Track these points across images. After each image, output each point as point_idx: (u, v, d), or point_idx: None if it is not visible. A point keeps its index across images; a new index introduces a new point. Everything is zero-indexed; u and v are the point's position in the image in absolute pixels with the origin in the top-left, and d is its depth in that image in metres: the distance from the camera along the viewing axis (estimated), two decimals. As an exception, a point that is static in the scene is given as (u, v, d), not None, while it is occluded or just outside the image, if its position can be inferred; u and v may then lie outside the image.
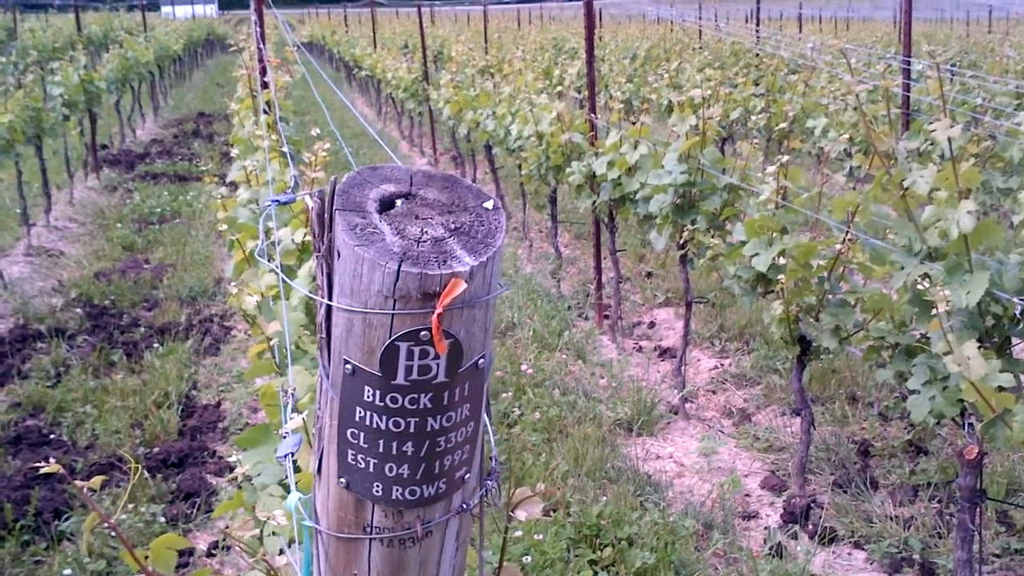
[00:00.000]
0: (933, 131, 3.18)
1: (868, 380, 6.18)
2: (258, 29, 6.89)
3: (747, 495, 5.09)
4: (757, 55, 13.65)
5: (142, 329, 7.57)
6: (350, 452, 1.30)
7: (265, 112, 6.93)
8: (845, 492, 4.97)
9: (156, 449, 5.61)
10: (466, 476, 1.37)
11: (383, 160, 15.12)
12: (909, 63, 7.42)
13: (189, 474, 5.30)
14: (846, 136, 6.55)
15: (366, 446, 1.28)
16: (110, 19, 30.89)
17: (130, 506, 4.80)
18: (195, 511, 4.93)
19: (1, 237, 10.27)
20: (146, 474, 5.19)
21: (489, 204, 1.27)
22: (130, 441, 5.67)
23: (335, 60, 31.44)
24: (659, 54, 17.20)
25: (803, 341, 4.60)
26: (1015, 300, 3.15)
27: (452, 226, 1.23)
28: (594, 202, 7.00)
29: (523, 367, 6.48)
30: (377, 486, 1.30)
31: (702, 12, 23.69)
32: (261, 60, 6.95)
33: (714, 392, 6.45)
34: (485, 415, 1.41)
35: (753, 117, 9.61)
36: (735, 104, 10.08)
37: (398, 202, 1.27)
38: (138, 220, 11.35)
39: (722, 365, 6.83)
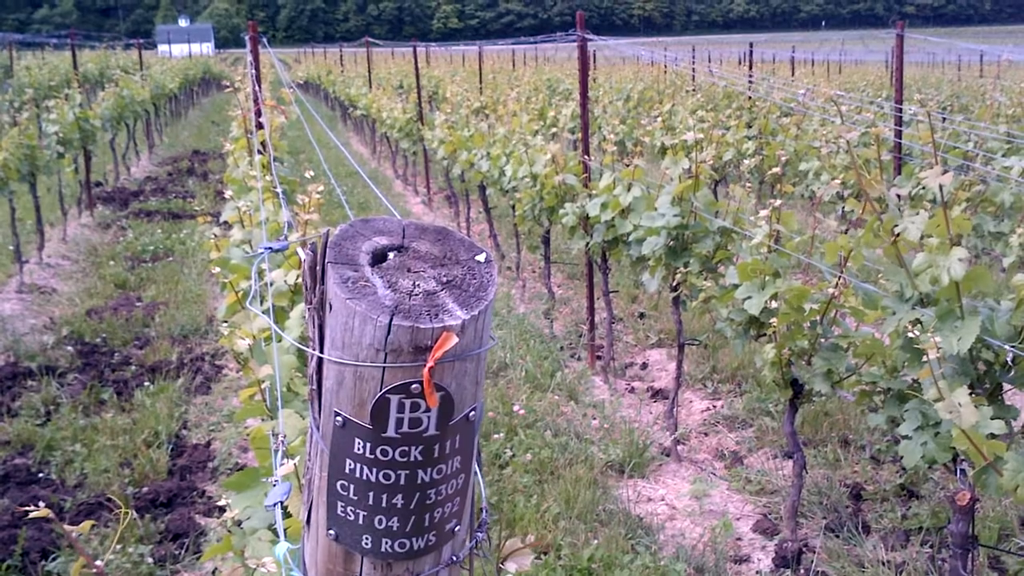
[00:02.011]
0: (925, 178, 3.20)
1: (860, 423, 6.18)
2: (253, 69, 6.92)
3: (739, 539, 5.07)
4: (750, 98, 13.74)
5: (133, 367, 7.55)
6: (339, 504, 1.30)
7: (260, 152, 6.96)
8: (837, 536, 4.95)
9: (145, 488, 5.58)
10: (456, 528, 1.37)
11: (376, 199, 15.16)
12: (901, 109, 7.47)
13: (178, 514, 5.26)
14: (838, 180, 6.59)
15: (356, 498, 1.28)
16: (107, 57, 31.03)
17: (118, 547, 4.76)
18: (183, 552, 4.89)
19: (-6, 274, 10.26)
20: (134, 514, 5.15)
21: (481, 257, 1.28)
22: (119, 480, 5.64)
23: (330, 99, 31.60)
24: (652, 96, 17.31)
25: (795, 384, 4.60)
26: (1006, 347, 3.16)
27: (444, 279, 1.23)
28: (587, 243, 7.02)
29: (515, 408, 6.47)
30: (366, 538, 1.30)
31: (695, 55, 23.86)
32: (256, 101, 6.99)
33: (706, 434, 6.44)
34: (476, 465, 1.41)
35: (746, 160, 9.66)
36: (728, 146, 10.13)
37: (390, 255, 1.28)
38: (131, 258, 11.35)
39: (714, 407, 6.82)
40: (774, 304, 4.41)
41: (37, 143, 10.31)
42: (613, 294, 7.56)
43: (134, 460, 5.88)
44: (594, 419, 6.57)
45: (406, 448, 1.24)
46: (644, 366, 7.74)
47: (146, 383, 7.15)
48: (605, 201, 6.53)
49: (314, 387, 1.30)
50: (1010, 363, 3.25)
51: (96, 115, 13.44)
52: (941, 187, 3.18)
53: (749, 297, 4.63)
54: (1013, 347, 3.19)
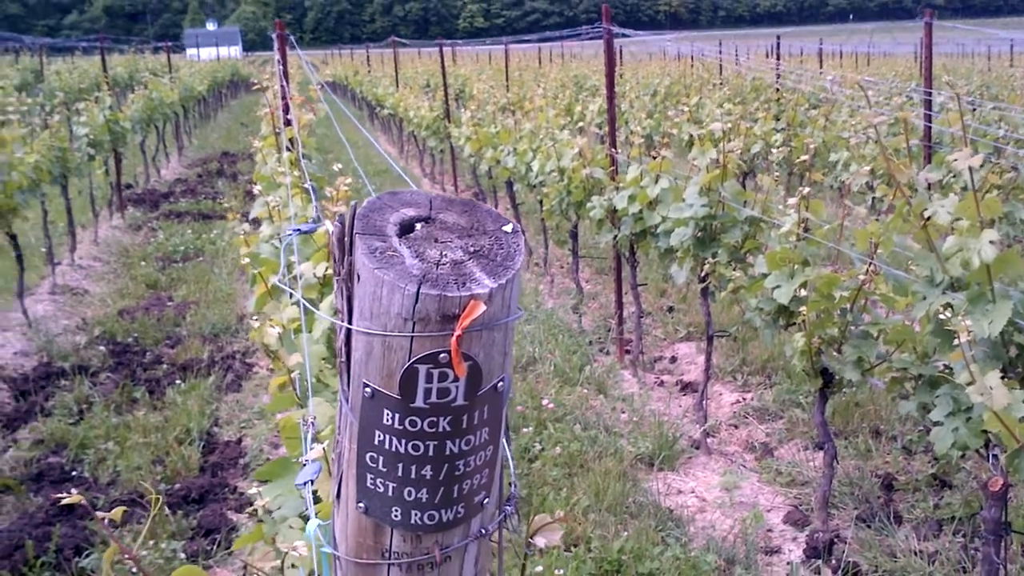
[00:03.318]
0: (954, 161, 3.18)
1: (891, 413, 6.14)
2: (281, 67, 6.95)
3: (769, 530, 5.05)
4: (777, 90, 13.68)
5: (165, 366, 7.60)
6: (369, 476, 1.30)
7: (288, 149, 6.99)
8: (869, 527, 4.92)
9: (177, 485, 5.62)
10: (485, 501, 1.37)
11: (404, 197, 15.18)
12: (930, 94, 7.42)
13: (210, 510, 5.30)
14: (867, 168, 6.55)
15: (385, 470, 1.28)
16: (136, 61, 31.25)
17: (151, 542, 4.80)
18: (215, 547, 4.92)
19: (27, 276, 10.34)
20: (167, 510, 5.19)
21: (508, 228, 1.28)
22: (151, 477, 5.68)
23: (357, 99, 31.70)
24: (679, 90, 17.27)
25: (825, 373, 4.57)
26: (1039, 330, 3.13)
27: (471, 249, 1.24)
28: (615, 236, 7.02)
29: (544, 402, 6.47)
30: (396, 510, 1.30)
31: (722, 48, 23.77)
32: (284, 98, 7.01)
33: (736, 426, 6.42)
34: (504, 439, 1.41)
35: (774, 151, 9.62)
36: (756, 139, 10.09)
37: (418, 226, 1.28)
38: (162, 258, 11.43)
39: (744, 399, 6.80)
40: (803, 292, 4.39)
41: (68, 146, 10.40)
42: (641, 287, 7.55)
43: (166, 457, 5.92)
44: (623, 412, 6.56)
45: (435, 419, 1.25)
46: (673, 359, 7.72)
47: (177, 381, 7.20)
48: (633, 194, 6.52)
49: (343, 359, 1.31)
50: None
51: (126, 117, 13.54)
52: (971, 169, 3.16)
53: (778, 286, 4.61)
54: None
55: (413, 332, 1.19)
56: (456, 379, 1.22)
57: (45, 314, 9.06)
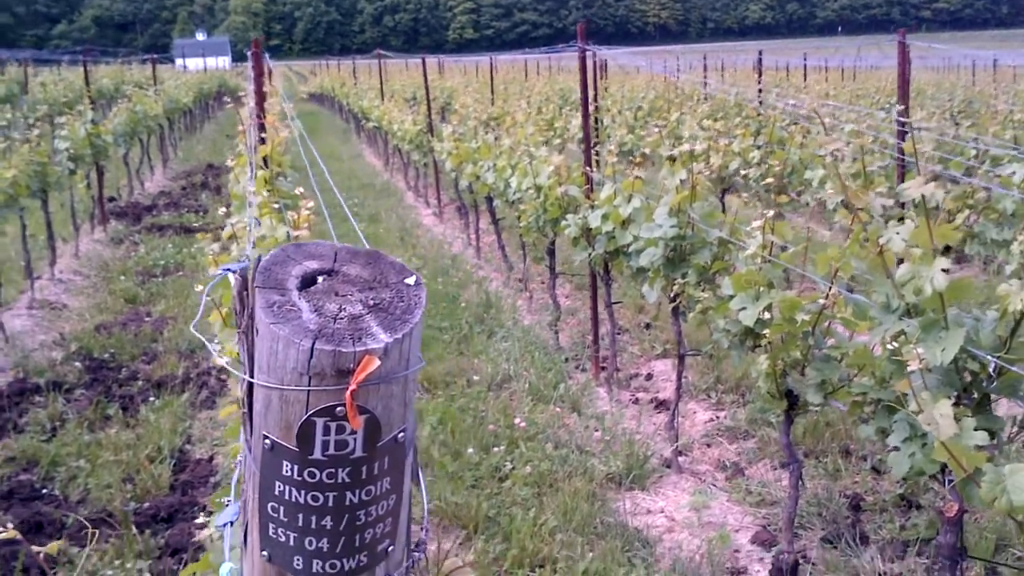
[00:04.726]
0: (907, 189, 3.20)
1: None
2: (254, 85, 6.96)
3: (736, 551, 5.06)
4: (759, 106, 13.73)
5: (140, 382, 7.59)
6: (271, 525, 1.31)
7: (263, 167, 6.99)
8: (835, 547, 4.94)
9: (147, 504, 5.61)
10: (389, 549, 1.38)
11: (387, 212, 15.21)
12: (905, 112, 7.47)
13: (178, 529, 5.29)
14: (831, 190, 6.56)
15: (286, 520, 1.29)
16: (122, 73, 31.23)
17: (116, 562, 4.79)
18: (181, 566, 4.91)
19: (5, 291, 10.32)
20: (134, 529, 5.18)
21: (411, 280, 1.29)
22: (121, 496, 5.67)
23: (344, 112, 31.71)
24: (663, 105, 17.31)
25: (790, 395, 4.59)
26: (989, 357, 3.15)
27: (371, 302, 1.25)
28: (590, 255, 7.03)
29: (516, 420, 6.48)
30: (298, 559, 1.31)
31: (707, 62, 23.85)
32: (260, 116, 7.02)
33: (709, 445, 6.43)
34: (415, 486, 1.42)
35: (751, 170, 9.66)
36: (733, 156, 10.13)
37: (320, 279, 1.29)
38: (142, 272, 11.42)
39: (717, 417, 6.81)
40: (768, 315, 4.41)
41: (48, 160, 10.39)
42: (619, 304, 7.56)
43: (136, 475, 5.91)
44: (596, 431, 6.57)
45: (333, 470, 1.26)
46: (649, 376, 7.74)
47: (152, 398, 7.19)
48: (606, 212, 6.54)
49: (246, 410, 1.32)
50: (993, 374, 3.25)
51: (108, 131, 13.52)
52: (923, 197, 3.18)
53: (744, 308, 4.62)
54: (997, 357, 3.19)
55: (309, 386, 1.20)
56: (354, 432, 1.23)
57: (22, 329, 9.04)
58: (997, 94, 18.62)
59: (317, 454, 1.24)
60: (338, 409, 1.21)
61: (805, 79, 24.86)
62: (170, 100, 20.95)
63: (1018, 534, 3.10)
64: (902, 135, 7.45)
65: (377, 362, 1.18)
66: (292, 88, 59.51)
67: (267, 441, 1.26)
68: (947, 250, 3.35)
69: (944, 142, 8.93)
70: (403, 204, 16.39)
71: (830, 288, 4.10)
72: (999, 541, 4.86)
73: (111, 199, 16.02)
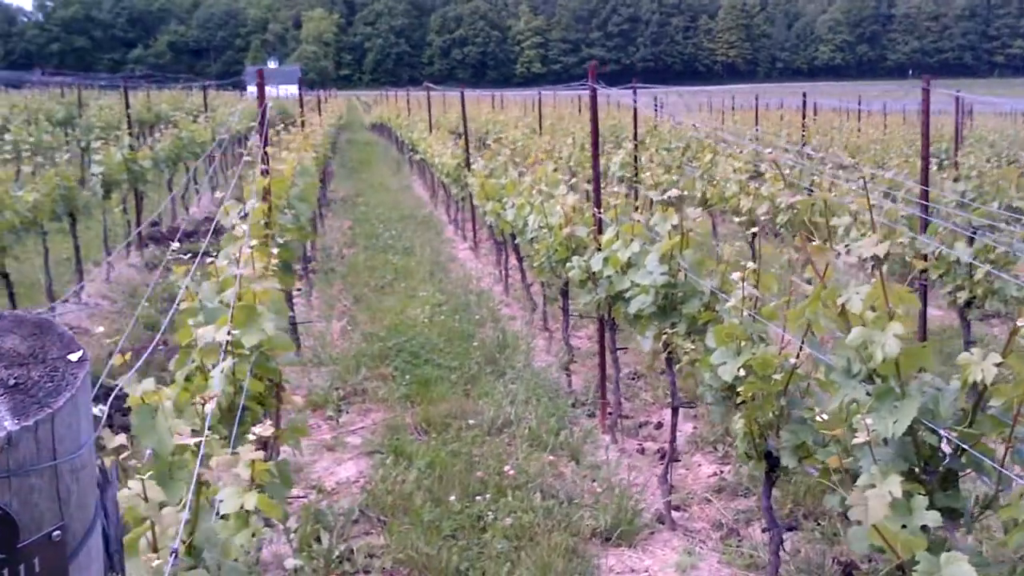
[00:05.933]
0: (859, 247, 2.99)
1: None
2: (260, 116, 6.88)
3: (715, 618, 4.82)
4: (801, 149, 13.46)
5: (139, 412, 7.51)
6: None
7: (264, 199, 6.91)
8: (817, 619, 4.68)
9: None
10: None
11: (425, 244, 15.13)
12: (927, 160, 7.22)
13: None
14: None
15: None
16: (182, 99, 31.68)
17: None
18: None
19: (28, 313, 10.36)
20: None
21: (75, 356, 1.13)
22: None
23: (398, 142, 31.86)
24: (708, 145, 17.06)
25: (769, 457, 4.36)
26: (942, 433, 2.91)
27: (11, 382, 1.09)
28: (594, 298, 6.84)
29: (506, 468, 6.28)
30: None
31: (759, 102, 23.59)
32: (264, 145, 6.94)
33: (708, 500, 6.18)
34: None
35: (780, 215, 9.43)
36: (762, 199, 9.88)
37: (-32, 352, 1.14)
38: (168, 299, 11.39)
39: (721, 472, 6.56)
40: (742, 373, 4.19)
41: (74, 184, 10.44)
42: (622, 351, 7.35)
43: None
44: (593, 481, 6.34)
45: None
46: (659, 425, 7.50)
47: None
48: (607, 256, 6.36)
49: None
50: (951, 452, 3.01)
51: (145, 156, 13.60)
52: (876, 258, 2.97)
53: (724, 363, 4.41)
54: (954, 431, 2.95)
55: (-69, 479, 1.04)
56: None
57: (36, 353, 9.02)
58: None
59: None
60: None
61: (860, 121, 24.46)
62: (221, 126, 21.13)
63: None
64: (926, 179, 7.19)
65: (-1, 453, 1.02)
66: (357, 117, 59.96)
67: None
68: (968, 305, 3.13)
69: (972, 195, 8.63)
70: (441, 237, 16.30)
71: (800, 346, 3.88)
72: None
73: (153, 224, 16.11)
